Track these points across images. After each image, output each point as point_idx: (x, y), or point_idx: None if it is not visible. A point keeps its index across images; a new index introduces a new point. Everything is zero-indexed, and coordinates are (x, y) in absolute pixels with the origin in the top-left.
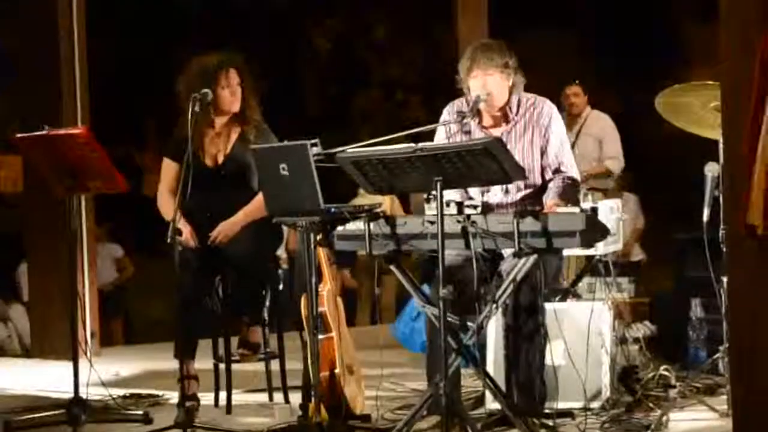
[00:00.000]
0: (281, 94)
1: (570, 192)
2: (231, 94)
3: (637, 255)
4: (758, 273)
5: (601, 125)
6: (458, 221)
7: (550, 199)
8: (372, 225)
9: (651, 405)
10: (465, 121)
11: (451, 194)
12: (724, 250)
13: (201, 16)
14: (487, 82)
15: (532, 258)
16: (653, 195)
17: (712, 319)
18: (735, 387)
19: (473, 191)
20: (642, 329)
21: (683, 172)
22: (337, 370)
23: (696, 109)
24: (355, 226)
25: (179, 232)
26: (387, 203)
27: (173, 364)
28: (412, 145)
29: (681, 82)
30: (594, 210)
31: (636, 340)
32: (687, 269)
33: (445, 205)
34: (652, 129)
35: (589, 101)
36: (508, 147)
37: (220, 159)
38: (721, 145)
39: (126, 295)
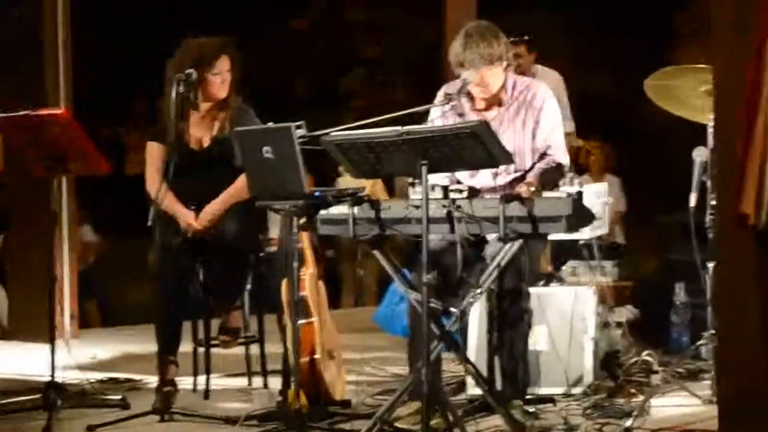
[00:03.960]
0: (268, 76)
1: (551, 176)
2: (221, 81)
3: (618, 237)
4: (747, 264)
5: (550, 83)
6: (443, 206)
7: (528, 178)
8: (356, 209)
9: (633, 390)
10: (454, 103)
11: (439, 176)
12: (710, 236)
13: None
14: (483, 77)
15: (518, 243)
16: (638, 177)
17: (696, 303)
18: (721, 379)
19: (461, 174)
20: (625, 313)
21: (670, 156)
22: (317, 356)
23: (685, 93)
24: (339, 210)
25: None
26: (369, 185)
27: (151, 348)
28: (398, 128)
29: (672, 63)
30: (579, 194)
31: (619, 325)
32: (671, 253)
33: (430, 189)
34: (640, 111)
35: (536, 59)
36: (501, 129)
37: (206, 142)
38: (710, 130)
39: (98, 276)
